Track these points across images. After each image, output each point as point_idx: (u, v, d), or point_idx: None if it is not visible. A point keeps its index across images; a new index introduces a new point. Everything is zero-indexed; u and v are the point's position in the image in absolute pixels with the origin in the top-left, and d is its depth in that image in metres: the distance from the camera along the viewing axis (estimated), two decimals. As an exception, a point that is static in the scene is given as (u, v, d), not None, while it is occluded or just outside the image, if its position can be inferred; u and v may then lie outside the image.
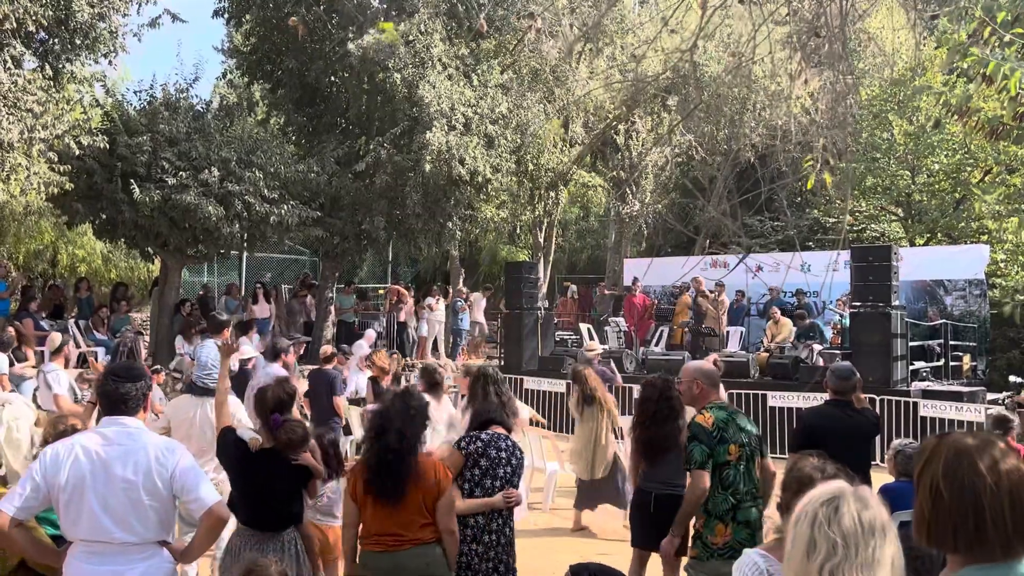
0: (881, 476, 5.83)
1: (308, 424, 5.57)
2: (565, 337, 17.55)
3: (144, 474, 3.19)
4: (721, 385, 4.98)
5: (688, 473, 4.58)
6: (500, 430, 4.58)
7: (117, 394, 3.31)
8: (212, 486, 3.36)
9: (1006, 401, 11.94)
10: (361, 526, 3.97)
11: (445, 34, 16.29)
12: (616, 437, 8.36)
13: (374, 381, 8.96)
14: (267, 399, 4.60)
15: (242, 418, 6.17)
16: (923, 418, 11.46)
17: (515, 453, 4.50)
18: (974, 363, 15.80)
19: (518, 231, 23.01)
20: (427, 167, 14.97)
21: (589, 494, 8.25)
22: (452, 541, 3.97)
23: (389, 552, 3.85)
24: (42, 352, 10.34)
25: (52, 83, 12.12)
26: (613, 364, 11.17)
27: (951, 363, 14.62)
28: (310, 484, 4.61)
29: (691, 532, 4.70)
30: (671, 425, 5.55)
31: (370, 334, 16.27)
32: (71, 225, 14.94)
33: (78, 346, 13.27)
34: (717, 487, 4.50)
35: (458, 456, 4.46)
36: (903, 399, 11.74)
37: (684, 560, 5.42)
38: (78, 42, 12.45)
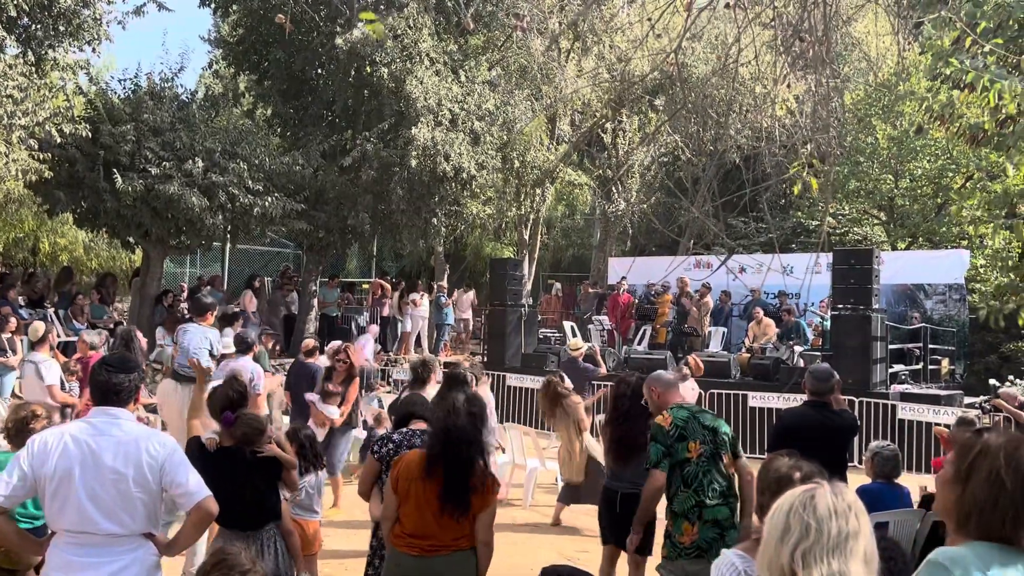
0: (858, 477, 5.88)
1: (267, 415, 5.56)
2: (549, 335, 17.59)
3: (135, 466, 3.17)
4: (686, 384, 5.07)
5: (649, 474, 4.63)
6: (421, 425, 4.55)
7: (110, 385, 3.28)
8: (201, 480, 3.34)
9: (983, 404, 12.08)
10: (397, 524, 3.90)
11: (433, 29, 16.26)
12: (596, 436, 8.39)
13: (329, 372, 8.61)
14: (217, 398, 4.63)
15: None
16: (901, 421, 11.57)
17: None
18: (952, 367, 15.96)
19: (503, 228, 23.00)
20: (413, 162, 14.94)
21: (572, 493, 8.31)
22: (487, 553, 3.92)
23: (425, 557, 3.80)
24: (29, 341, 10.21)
25: (34, 69, 11.98)
26: (599, 357, 11.19)
27: (930, 366, 14.77)
28: (285, 475, 4.58)
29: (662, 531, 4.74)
30: (641, 424, 5.52)
31: (374, 329, 16.34)
32: (52, 214, 14.79)
33: (57, 336, 13.15)
34: (680, 485, 4.54)
35: (372, 463, 4.48)
36: (882, 401, 11.85)
37: (650, 560, 5.47)
38: (61, 28, 12.31)
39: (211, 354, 8.27)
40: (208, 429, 4.63)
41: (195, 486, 3.27)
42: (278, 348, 14.34)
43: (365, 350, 15.82)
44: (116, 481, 3.14)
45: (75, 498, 3.11)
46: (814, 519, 1.78)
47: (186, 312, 15.78)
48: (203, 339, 8.20)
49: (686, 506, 4.50)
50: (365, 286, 21.92)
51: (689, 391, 9.91)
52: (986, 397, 12.37)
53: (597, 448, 7.94)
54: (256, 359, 8.48)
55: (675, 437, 4.55)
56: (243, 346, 8.12)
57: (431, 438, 3.98)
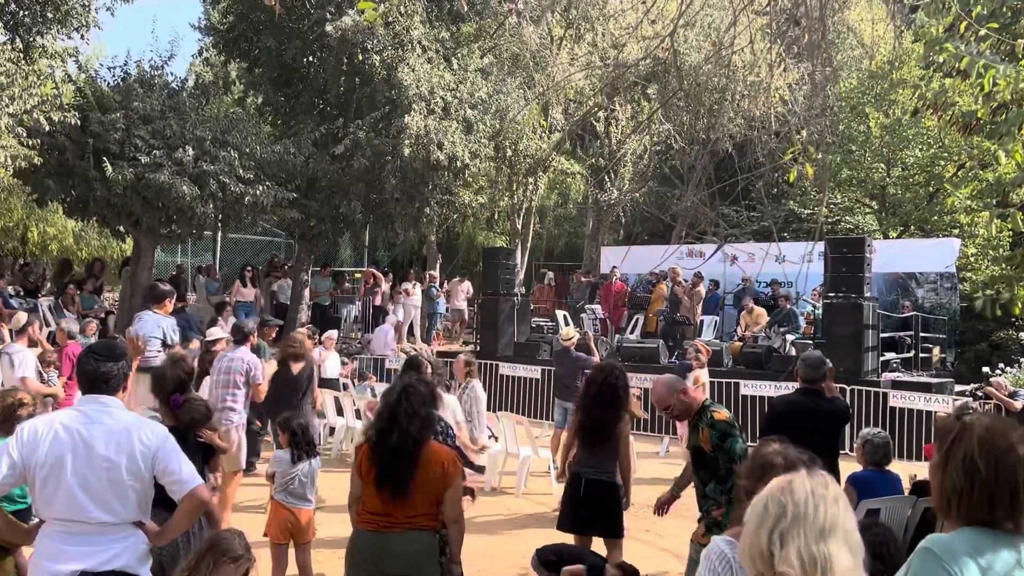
0: (850, 465, 5.89)
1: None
2: (541, 324, 17.59)
3: (127, 455, 3.15)
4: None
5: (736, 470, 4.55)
6: None
7: (98, 373, 3.26)
8: (194, 468, 3.34)
9: (975, 392, 12.14)
10: (360, 502, 3.96)
11: (425, 16, 16.16)
12: None
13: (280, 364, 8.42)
14: (166, 379, 4.62)
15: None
16: (892, 408, 11.62)
17: None
18: (943, 355, 16.03)
19: (496, 217, 22.97)
20: (405, 151, 14.87)
21: None
22: (457, 530, 3.95)
23: (380, 533, 3.84)
24: (10, 331, 10.15)
25: (22, 56, 11.87)
26: (592, 344, 11.18)
27: (921, 354, 14.83)
28: (214, 461, 4.74)
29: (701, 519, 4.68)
30: (610, 413, 5.50)
31: (392, 319, 16.37)
32: (41, 203, 14.68)
33: (47, 325, 13.08)
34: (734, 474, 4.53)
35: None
36: (873, 389, 11.89)
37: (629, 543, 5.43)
38: (49, 15, 12.19)
39: (164, 343, 8.20)
40: (142, 407, 4.65)
41: (188, 474, 3.26)
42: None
43: (388, 338, 15.86)
44: (108, 470, 3.12)
45: (66, 486, 3.09)
46: (791, 501, 1.78)
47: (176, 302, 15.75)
48: (155, 327, 8.15)
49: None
50: (357, 275, 21.87)
51: (696, 381, 9.90)
52: (977, 385, 12.43)
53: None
54: (255, 350, 8.39)
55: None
56: (239, 335, 8.04)
57: (372, 423, 4.04)
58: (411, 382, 4.03)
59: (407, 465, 3.81)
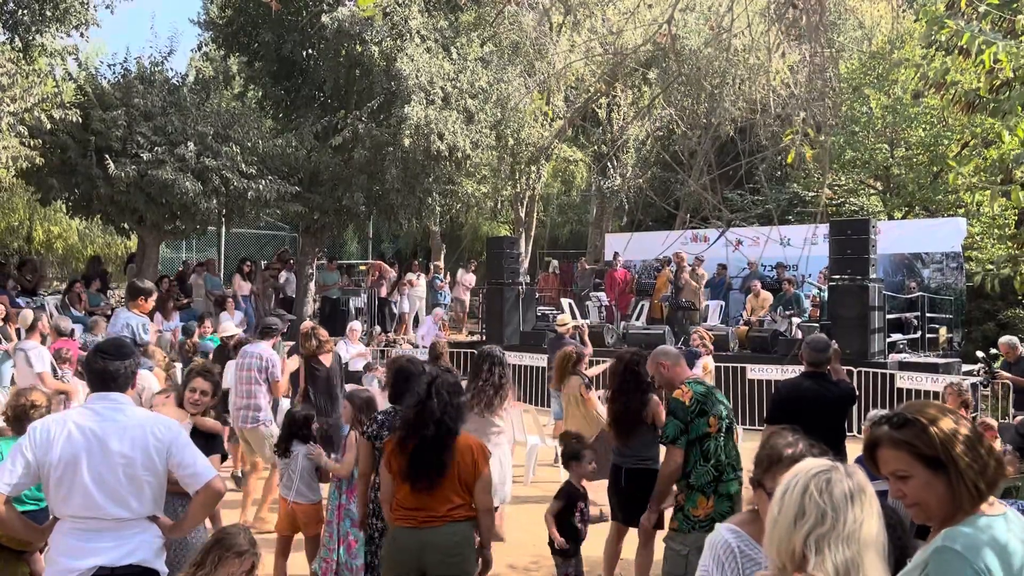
0: (857, 447, 5.88)
1: None
2: (547, 312, 17.58)
3: (142, 450, 3.18)
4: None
5: (666, 451, 4.61)
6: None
7: (107, 372, 3.28)
8: (207, 461, 3.37)
9: (980, 373, 12.10)
10: (394, 500, 3.96)
11: (423, 6, 16.09)
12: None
13: (309, 360, 8.11)
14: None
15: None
16: (899, 389, 11.60)
17: None
18: (950, 335, 15.99)
19: (499, 206, 22.92)
20: (406, 141, 14.83)
21: None
22: (489, 518, 3.99)
23: (419, 528, 3.83)
24: (17, 330, 10.19)
25: (22, 55, 11.88)
26: (586, 336, 11.18)
27: (927, 335, 14.79)
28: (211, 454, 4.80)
29: (672, 505, 4.74)
30: (637, 398, 5.53)
31: (438, 312, 16.40)
32: (45, 201, 14.71)
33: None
34: (699, 460, 4.53)
35: (365, 444, 4.57)
36: (880, 371, 11.87)
37: (661, 533, 5.48)
38: (48, 14, 12.20)
39: (133, 342, 8.09)
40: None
41: (202, 467, 3.30)
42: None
43: (430, 328, 15.89)
44: (124, 466, 3.15)
45: (81, 484, 3.11)
46: (830, 506, 1.77)
47: (182, 298, 15.78)
48: (123, 326, 7.97)
49: (704, 480, 4.50)
50: (363, 267, 21.89)
51: (704, 369, 9.89)
52: (981, 365, 12.38)
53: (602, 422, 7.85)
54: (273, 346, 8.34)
55: (695, 412, 4.53)
56: (265, 331, 7.99)
57: (401, 420, 4.03)
58: (438, 373, 4.00)
59: (445, 457, 3.80)
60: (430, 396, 3.85)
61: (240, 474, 8.64)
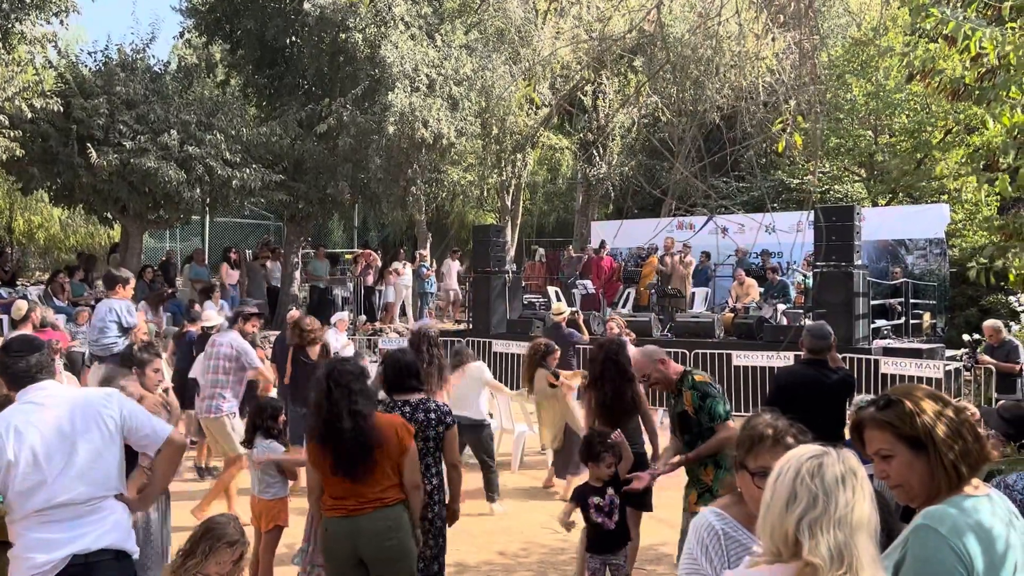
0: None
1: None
2: (533, 300, 17.59)
3: (97, 425, 3.16)
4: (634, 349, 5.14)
5: (716, 429, 4.49)
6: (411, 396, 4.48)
7: (28, 368, 3.22)
8: (160, 419, 3.38)
9: (963, 358, 12.22)
10: (323, 491, 3.93)
11: (407, -8, 15.98)
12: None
13: (296, 352, 8.16)
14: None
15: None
16: (884, 375, 11.69)
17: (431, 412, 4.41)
18: (934, 320, 16.12)
19: (485, 194, 22.88)
20: (390, 129, 14.76)
21: (556, 460, 8.27)
22: (417, 495, 3.95)
23: (350, 517, 3.83)
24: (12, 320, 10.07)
25: (1, 43, 11.72)
26: (582, 323, 11.19)
27: (911, 321, 14.91)
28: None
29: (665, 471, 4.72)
30: (618, 384, 5.54)
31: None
32: (26, 191, 14.55)
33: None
34: None
35: None
36: (865, 356, 11.97)
37: (649, 519, 5.50)
38: (27, 1, 12.02)
39: (120, 326, 8.09)
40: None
41: (158, 425, 3.32)
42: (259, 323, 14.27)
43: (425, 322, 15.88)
44: (86, 445, 3.12)
45: (42, 476, 3.05)
46: (822, 490, 1.77)
47: (167, 287, 15.67)
48: (108, 312, 8.03)
49: (731, 461, 4.50)
50: (348, 256, 21.81)
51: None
52: (966, 351, 12.49)
53: (575, 416, 7.80)
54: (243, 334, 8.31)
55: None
56: (232, 320, 7.96)
57: (312, 419, 3.94)
58: (333, 365, 3.93)
59: (364, 443, 3.75)
60: (331, 389, 3.79)
61: (204, 466, 8.62)
